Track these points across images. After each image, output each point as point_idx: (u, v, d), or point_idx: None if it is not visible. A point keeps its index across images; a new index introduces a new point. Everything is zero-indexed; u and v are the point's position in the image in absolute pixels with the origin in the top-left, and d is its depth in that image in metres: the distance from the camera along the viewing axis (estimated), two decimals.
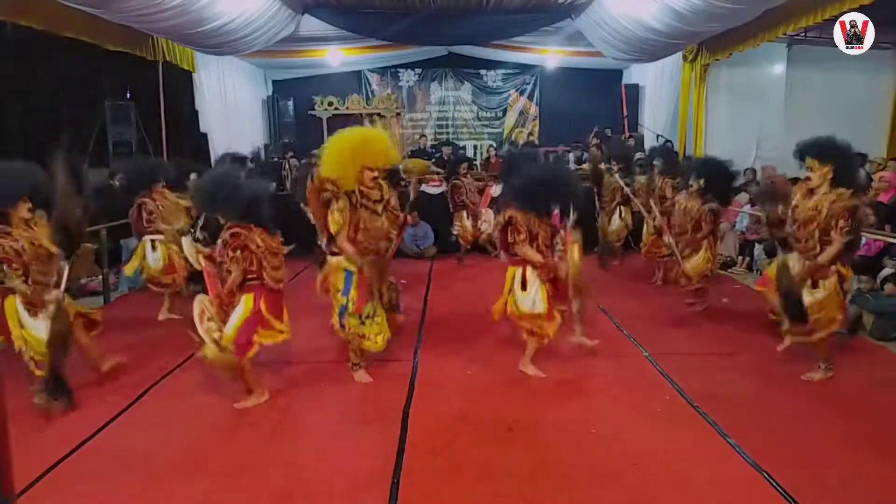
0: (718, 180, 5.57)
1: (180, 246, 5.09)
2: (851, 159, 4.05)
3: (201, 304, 3.75)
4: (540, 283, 4.16)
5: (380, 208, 4.00)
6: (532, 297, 4.16)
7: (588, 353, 4.48)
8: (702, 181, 5.54)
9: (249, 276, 3.74)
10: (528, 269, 4.17)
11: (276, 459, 3.24)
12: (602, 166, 7.63)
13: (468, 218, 8.34)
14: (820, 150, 3.96)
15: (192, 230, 4.65)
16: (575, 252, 4.08)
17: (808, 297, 4.01)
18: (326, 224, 3.98)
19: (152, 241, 5.67)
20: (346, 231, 3.90)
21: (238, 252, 3.67)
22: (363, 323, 4.03)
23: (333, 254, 4.07)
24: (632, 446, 3.33)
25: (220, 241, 3.78)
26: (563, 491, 2.92)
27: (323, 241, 4.21)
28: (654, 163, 7.05)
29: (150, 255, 5.70)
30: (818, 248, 3.97)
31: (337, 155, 3.80)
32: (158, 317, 5.82)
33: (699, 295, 5.99)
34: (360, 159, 3.82)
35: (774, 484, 2.92)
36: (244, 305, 3.76)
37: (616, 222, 7.80)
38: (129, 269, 5.99)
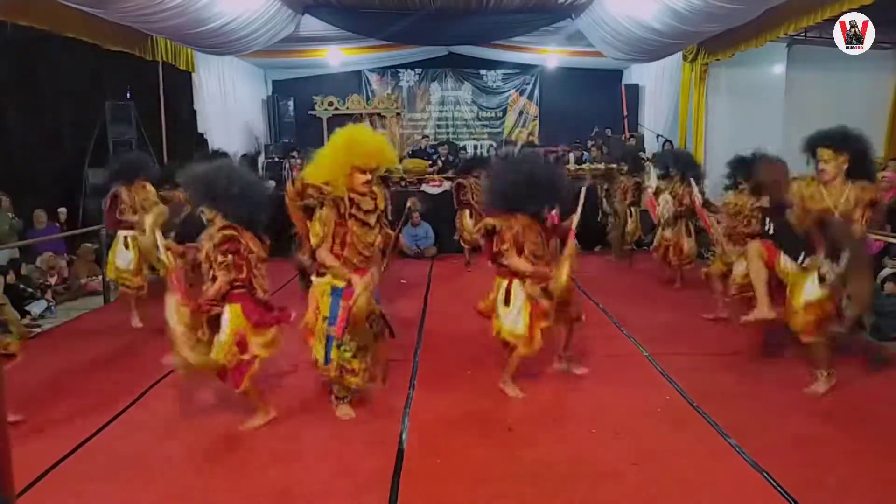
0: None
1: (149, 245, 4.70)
2: (867, 149, 3.83)
3: (174, 305, 3.36)
4: (525, 299, 3.80)
5: (372, 220, 3.45)
6: (514, 315, 3.80)
7: (589, 354, 4.48)
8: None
9: (236, 285, 3.39)
10: (514, 283, 3.82)
11: (276, 459, 3.23)
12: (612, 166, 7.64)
13: (471, 217, 8.22)
14: (834, 139, 3.75)
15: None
16: (563, 270, 3.78)
17: (811, 292, 3.81)
18: (310, 236, 3.49)
19: (125, 237, 5.40)
20: (328, 244, 3.38)
21: (230, 257, 3.30)
22: (355, 356, 3.49)
23: (320, 274, 3.51)
24: (632, 446, 3.33)
25: (207, 242, 3.39)
26: (563, 491, 2.92)
27: (305, 257, 3.72)
28: (671, 170, 6.81)
29: (122, 252, 5.40)
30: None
31: (325, 154, 3.32)
32: (132, 323, 5.53)
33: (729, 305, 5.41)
34: (350, 159, 3.28)
35: (774, 484, 2.92)
36: (232, 318, 3.38)
37: (629, 224, 7.80)
38: (109, 272, 5.69)
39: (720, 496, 2.88)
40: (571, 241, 3.88)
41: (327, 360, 3.44)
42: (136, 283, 5.44)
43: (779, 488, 2.88)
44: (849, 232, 3.63)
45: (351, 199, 3.35)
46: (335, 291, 3.42)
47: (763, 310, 4.11)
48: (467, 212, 8.25)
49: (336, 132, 3.38)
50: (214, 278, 3.35)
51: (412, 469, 3.11)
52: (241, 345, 3.37)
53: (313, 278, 3.56)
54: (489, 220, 3.83)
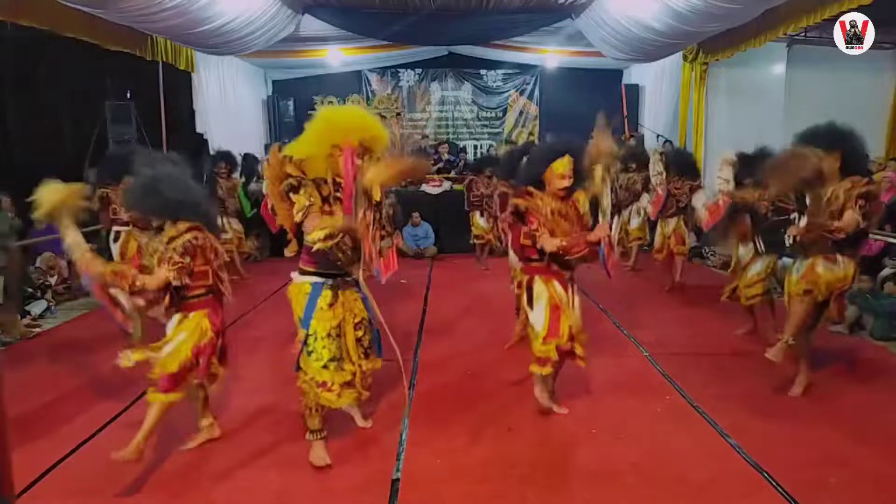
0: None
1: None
2: (859, 144, 3.76)
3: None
4: (547, 296, 3.45)
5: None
6: (537, 314, 3.47)
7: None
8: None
9: (198, 291, 3.11)
10: (537, 281, 3.49)
11: (276, 459, 3.24)
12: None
13: (482, 216, 8.12)
14: (824, 138, 3.67)
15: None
16: (597, 171, 3.32)
17: (821, 268, 3.72)
18: (295, 227, 3.07)
19: (117, 231, 5.38)
20: (317, 215, 2.91)
21: (188, 259, 3.00)
22: (326, 367, 3.03)
23: (301, 272, 3.14)
24: (632, 446, 3.33)
25: (159, 245, 3.06)
26: (563, 491, 2.92)
27: (292, 254, 3.27)
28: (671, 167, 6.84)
29: (115, 247, 5.33)
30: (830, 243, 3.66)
31: (305, 134, 2.96)
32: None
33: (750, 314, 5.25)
34: (329, 135, 2.88)
35: (774, 484, 2.92)
36: (196, 325, 3.09)
37: (635, 221, 7.81)
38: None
39: (720, 496, 2.88)
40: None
41: (297, 367, 3.08)
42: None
43: (779, 488, 2.88)
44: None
45: (336, 183, 2.96)
46: (314, 290, 3.06)
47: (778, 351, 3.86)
48: (478, 211, 8.17)
49: (320, 110, 3.08)
50: (149, 272, 3.02)
51: (412, 469, 3.11)
52: (198, 355, 3.10)
53: (293, 275, 3.18)
54: (518, 201, 3.44)
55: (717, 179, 5.54)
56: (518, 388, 4.12)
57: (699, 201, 6.37)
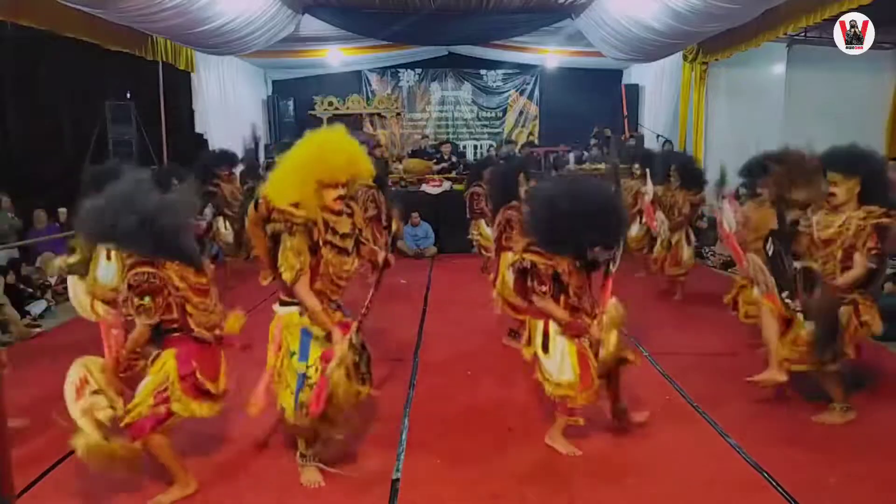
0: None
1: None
2: (881, 170, 3.50)
3: (81, 371, 2.87)
4: (568, 340, 3.19)
5: (349, 245, 2.91)
6: (557, 361, 3.17)
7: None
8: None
9: (169, 327, 2.80)
10: (551, 325, 3.21)
11: (276, 459, 3.24)
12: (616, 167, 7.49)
13: (488, 226, 7.91)
14: (844, 161, 3.42)
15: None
16: (612, 336, 3.19)
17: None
18: (273, 262, 2.88)
19: (108, 249, 4.61)
20: (306, 278, 2.80)
21: (147, 299, 2.68)
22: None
23: (284, 303, 2.94)
24: (632, 446, 3.33)
25: (120, 283, 2.83)
26: (563, 491, 2.92)
27: (266, 282, 3.04)
28: (671, 174, 6.53)
29: (103, 266, 4.60)
30: (837, 272, 3.42)
31: (286, 170, 2.78)
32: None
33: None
34: (313, 174, 2.72)
35: (774, 484, 2.92)
36: (161, 365, 2.79)
37: (635, 229, 7.66)
38: (88, 285, 4.77)
39: (720, 496, 2.88)
40: (608, 296, 3.27)
41: (297, 405, 2.83)
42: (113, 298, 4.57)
43: (779, 488, 2.88)
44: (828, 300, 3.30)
45: (325, 223, 2.82)
46: (305, 328, 2.88)
47: (773, 372, 3.56)
48: (482, 221, 7.96)
49: (300, 142, 2.85)
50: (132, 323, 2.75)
51: (412, 469, 3.11)
52: (160, 397, 2.77)
53: (275, 308, 2.96)
54: (528, 256, 3.17)
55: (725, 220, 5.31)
56: (519, 389, 4.12)
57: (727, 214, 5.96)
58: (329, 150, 2.77)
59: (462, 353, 4.84)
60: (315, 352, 2.86)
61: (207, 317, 2.86)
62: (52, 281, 6.76)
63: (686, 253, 6.50)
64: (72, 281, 3.79)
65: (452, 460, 3.20)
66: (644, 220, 7.10)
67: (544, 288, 3.13)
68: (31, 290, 6.27)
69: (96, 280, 4.51)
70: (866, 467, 3.10)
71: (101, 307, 3.15)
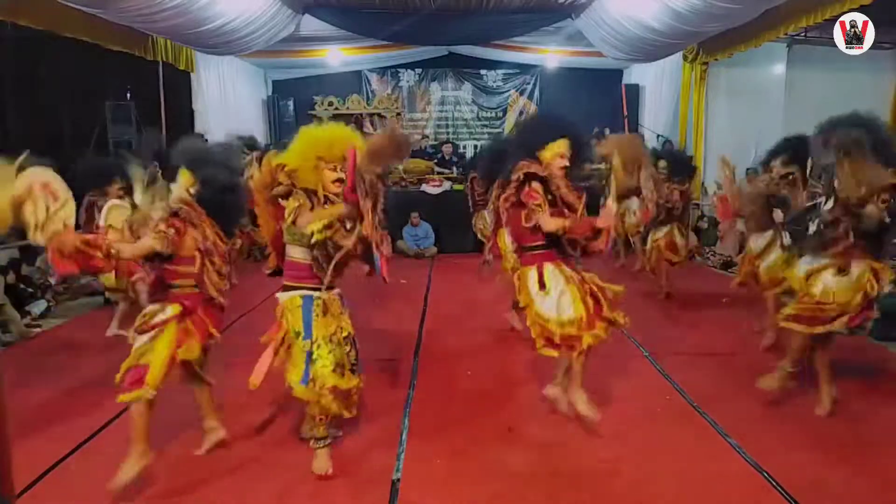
0: None
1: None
2: (885, 133, 3.59)
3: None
4: (565, 281, 3.27)
5: (348, 224, 2.95)
6: (555, 299, 3.25)
7: (588, 354, 4.46)
8: None
9: (184, 279, 3.01)
10: (547, 268, 3.31)
11: (276, 459, 3.24)
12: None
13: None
14: (847, 125, 3.56)
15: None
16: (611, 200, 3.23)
17: (830, 281, 3.50)
18: (275, 236, 3.09)
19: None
20: (307, 210, 2.89)
21: (171, 231, 2.92)
22: (335, 371, 2.92)
23: (286, 288, 3.05)
24: (632, 446, 3.33)
25: (157, 213, 3.04)
26: (563, 491, 2.92)
27: (269, 272, 3.20)
28: (660, 165, 6.58)
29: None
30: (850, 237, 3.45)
31: (294, 144, 2.98)
32: (107, 332, 5.36)
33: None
34: (314, 149, 2.90)
35: (774, 484, 2.92)
36: (169, 327, 2.96)
37: (631, 217, 7.73)
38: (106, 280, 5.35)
39: (720, 496, 2.88)
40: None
41: (305, 379, 2.91)
42: (113, 284, 5.27)
43: (779, 488, 2.88)
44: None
45: (326, 198, 2.95)
46: (306, 301, 2.98)
47: (773, 378, 3.71)
48: (485, 211, 8.03)
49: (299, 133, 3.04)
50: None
51: (412, 469, 3.11)
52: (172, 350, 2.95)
53: (278, 295, 3.09)
54: (529, 166, 3.25)
55: (722, 181, 5.47)
56: (518, 388, 4.12)
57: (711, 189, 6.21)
58: (329, 130, 3.02)
59: (462, 352, 4.84)
60: (317, 329, 2.94)
61: (220, 279, 3.09)
62: (52, 281, 6.76)
63: (680, 241, 6.51)
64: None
65: (452, 460, 3.20)
66: (640, 211, 7.20)
67: (537, 200, 3.20)
68: (31, 290, 6.27)
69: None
70: (866, 467, 3.10)
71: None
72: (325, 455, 3.10)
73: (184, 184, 3.09)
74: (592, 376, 4.29)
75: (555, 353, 3.35)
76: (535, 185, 3.25)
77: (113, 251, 2.82)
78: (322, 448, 3.10)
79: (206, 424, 3.37)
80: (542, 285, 3.27)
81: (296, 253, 3.00)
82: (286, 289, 3.05)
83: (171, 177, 3.31)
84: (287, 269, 3.06)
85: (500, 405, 3.88)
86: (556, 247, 3.36)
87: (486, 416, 3.73)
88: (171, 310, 3.00)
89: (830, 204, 3.54)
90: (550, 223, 3.21)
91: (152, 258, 2.98)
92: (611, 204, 3.31)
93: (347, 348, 3.04)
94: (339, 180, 2.91)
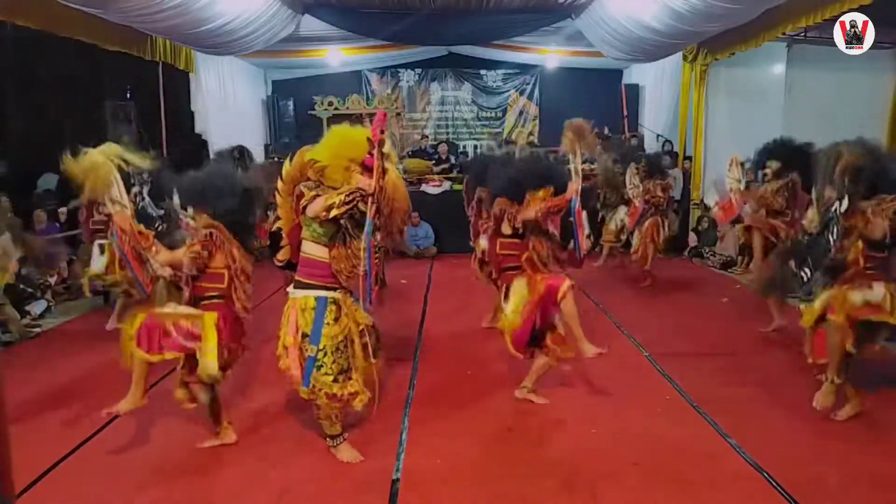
0: None
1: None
2: (888, 162, 3.55)
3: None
4: (522, 290, 3.68)
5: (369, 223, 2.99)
6: (515, 302, 3.69)
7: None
8: None
9: (210, 293, 3.22)
10: (516, 281, 3.73)
11: (276, 459, 3.24)
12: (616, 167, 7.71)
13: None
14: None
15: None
16: (569, 300, 3.60)
17: (862, 293, 3.50)
18: (292, 229, 3.19)
19: (101, 244, 5.32)
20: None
21: (205, 252, 3.14)
22: (336, 380, 3.03)
23: (299, 286, 3.09)
24: (632, 446, 3.33)
25: (193, 231, 3.28)
26: (563, 491, 2.92)
27: (283, 254, 3.31)
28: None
29: (96, 258, 5.32)
30: (862, 263, 3.50)
31: (321, 146, 3.03)
32: (106, 326, 5.49)
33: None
34: (346, 150, 2.95)
35: (774, 484, 2.92)
36: (209, 329, 3.12)
37: (612, 225, 7.83)
38: (85, 279, 5.55)
39: (720, 496, 2.88)
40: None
41: (306, 382, 3.02)
42: (111, 280, 5.35)
43: (779, 488, 2.88)
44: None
45: None
46: (319, 304, 3.03)
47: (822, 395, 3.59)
48: None
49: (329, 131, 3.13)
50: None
51: (412, 469, 3.11)
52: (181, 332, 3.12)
53: (289, 291, 3.16)
54: (506, 206, 3.81)
55: (727, 179, 5.56)
56: (518, 388, 4.12)
57: (712, 200, 6.46)
58: (363, 132, 2.98)
59: (462, 352, 4.85)
60: (326, 336, 3.00)
61: (246, 297, 3.29)
62: (52, 281, 6.76)
63: (662, 232, 6.95)
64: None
65: (452, 460, 3.20)
66: (628, 216, 7.44)
67: (514, 209, 3.75)
68: (31, 290, 6.27)
69: (92, 271, 5.33)
70: (866, 467, 3.10)
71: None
72: (347, 447, 3.23)
73: (203, 224, 3.23)
74: (593, 376, 4.30)
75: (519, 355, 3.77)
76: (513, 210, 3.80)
77: (153, 250, 3.19)
78: (341, 444, 3.22)
79: (218, 428, 3.41)
80: (506, 297, 3.76)
81: (313, 250, 3.03)
82: (299, 285, 3.08)
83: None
84: (302, 265, 3.09)
85: (500, 405, 3.88)
86: (531, 267, 3.75)
87: (486, 415, 3.73)
88: (208, 319, 3.15)
89: (837, 230, 3.54)
90: (528, 212, 3.70)
91: (178, 269, 3.22)
92: (575, 180, 3.87)
93: (365, 339, 3.13)
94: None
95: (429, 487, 2.96)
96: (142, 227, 3.30)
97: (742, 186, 5.56)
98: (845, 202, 3.50)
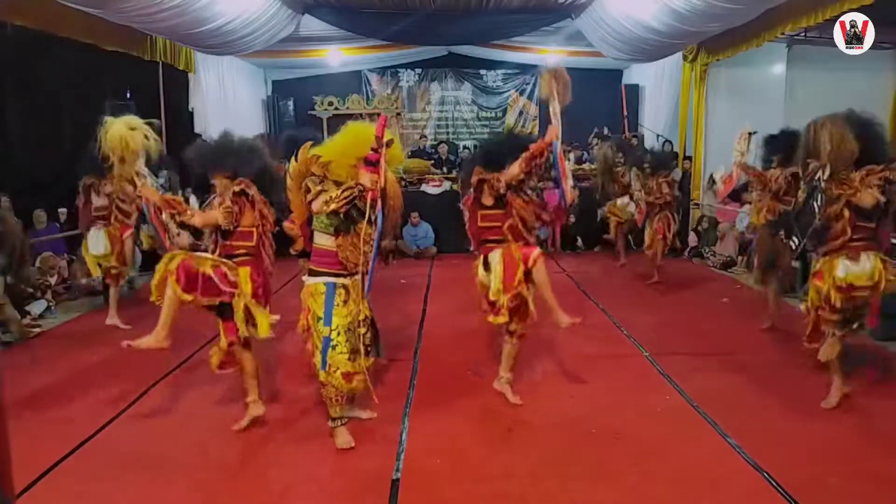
0: None
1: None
2: (880, 132, 3.73)
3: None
4: (499, 258, 3.72)
5: (373, 215, 3.13)
6: (495, 273, 3.75)
7: (589, 354, 4.47)
8: None
9: (240, 251, 3.45)
10: (492, 252, 3.78)
11: (276, 459, 3.24)
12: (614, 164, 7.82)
13: None
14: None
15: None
16: (541, 266, 3.67)
17: (847, 265, 3.55)
18: (304, 222, 3.42)
19: (95, 231, 5.50)
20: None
21: (236, 209, 3.37)
22: (350, 358, 3.22)
23: (312, 273, 3.29)
24: (632, 446, 3.33)
25: (219, 195, 3.45)
26: (563, 491, 2.92)
27: (297, 245, 3.63)
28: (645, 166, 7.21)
29: (94, 242, 5.51)
30: (849, 233, 3.54)
31: (331, 143, 3.20)
32: (106, 321, 5.58)
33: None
34: (356, 149, 3.09)
35: (774, 484, 2.92)
36: (244, 281, 3.40)
37: (621, 200, 7.88)
38: (91, 265, 5.72)
39: (720, 496, 2.88)
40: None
41: (324, 364, 3.18)
42: (114, 264, 5.52)
43: (779, 488, 2.88)
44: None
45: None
46: (329, 289, 3.21)
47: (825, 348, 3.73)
48: None
49: (344, 126, 3.25)
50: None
51: (412, 469, 3.11)
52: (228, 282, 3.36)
53: (304, 279, 3.39)
54: (486, 175, 3.79)
55: (733, 151, 5.60)
56: (519, 388, 4.12)
57: (718, 174, 6.53)
58: (370, 132, 3.09)
59: (462, 352, 4.84)
60: (337, 318, 3.19)
61: (273, 252, 3.54)
62: (52, 281, 6.76)
63: (673, 226, 7.02)
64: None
65: (452, 460, 3.20)
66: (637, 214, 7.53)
67: (495, 175, 3.70)
68: (31, 290, 6.26)
69: (92, 255, 5.52)
70: (866, 467, 3.10)
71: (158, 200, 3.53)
72: (344, 432, 3.36)
73: (225, 186, 3.43)
74: (593, 376, 4.30)
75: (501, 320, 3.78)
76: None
77: (187, 214, 3.35)
78: (339, 427, 3.35)
79: (248, 399, 3.60)
80: (486, 267, 3.80)
81: (322, 240, 3.23)
82: (312, 273, 3.30)
83: (198, 181, 3.73)
84: (314, 254, 3.30)
85: (500, 405, 3.88)
86: (514, 235, 3.76)
87: (487, 416, 3.73)
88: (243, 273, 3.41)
89: (822, 198, 3.62)
90: (512, 169, 3.67)
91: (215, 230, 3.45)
92: (555, 123, 3.86)
93: (364, 330, 3.29)
94: (375, 182, 3.05)
95: (429, 487, 2.96)
96: (169, 194, 3.52)
97: (745, 159, 5.61)
98: (828, 169, 3.57)
